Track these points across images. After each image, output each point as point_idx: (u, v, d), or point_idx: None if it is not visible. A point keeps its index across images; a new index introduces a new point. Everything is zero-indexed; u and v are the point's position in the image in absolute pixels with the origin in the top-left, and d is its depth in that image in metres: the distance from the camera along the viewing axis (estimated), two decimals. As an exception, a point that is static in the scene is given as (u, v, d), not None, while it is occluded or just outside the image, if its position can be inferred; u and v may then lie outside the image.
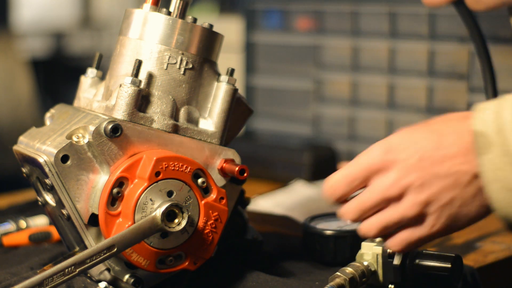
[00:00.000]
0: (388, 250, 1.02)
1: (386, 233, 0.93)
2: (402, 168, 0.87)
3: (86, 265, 0.93)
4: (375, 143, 0.91)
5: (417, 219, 0.90)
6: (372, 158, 0.89)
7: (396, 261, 1.02)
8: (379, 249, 1.03)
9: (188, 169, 1.01)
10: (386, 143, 0.90)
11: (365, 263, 1.03)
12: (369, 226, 0.93)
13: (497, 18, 1.29)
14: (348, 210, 0.94)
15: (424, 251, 1.04)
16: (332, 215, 1.22)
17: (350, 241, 1.13)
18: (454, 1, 1.17)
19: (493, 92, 1.17)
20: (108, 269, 1.02)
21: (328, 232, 1.15)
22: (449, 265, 1.01)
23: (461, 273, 1.04)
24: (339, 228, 1.17)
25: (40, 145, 1.01)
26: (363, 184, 0.91)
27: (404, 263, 1.03)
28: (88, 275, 1.03)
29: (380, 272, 1.03)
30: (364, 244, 1.04)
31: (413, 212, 0.89)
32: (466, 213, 0.88)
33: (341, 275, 1.00)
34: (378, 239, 1.05)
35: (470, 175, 0.86)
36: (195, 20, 1.07)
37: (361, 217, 0.93)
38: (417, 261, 1.02)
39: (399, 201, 0.89)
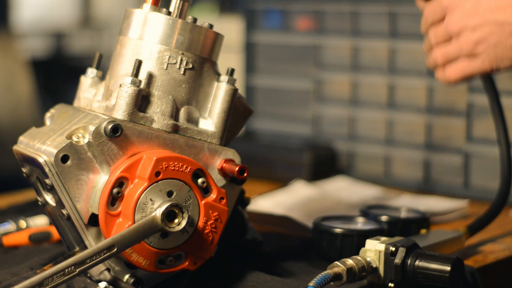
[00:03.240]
0: (391, 248, 1.02)
1: (447, 62, 1.15)
2: (460, 11, 1.11)
3: (86, 265, 0.93)
4: None
5: (471, 54, 1.11)
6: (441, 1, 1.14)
7: (398, 259, 1.02)
8: (382, 247, 1.03)
9: (188, 169, 1.01)
10: None
11: (368, 259, 1.03)
12: (434, 54, 1.17)
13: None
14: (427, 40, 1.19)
15: (426, 252, 1.04)
16: (342, 218, 1.23)
17: (357, 240, 1.14)
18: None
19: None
20: (108, 269, 1.02)
21: (336, 230, 1.16)
22: (449, 268, 1.01)
23: (461, 276, 1.04)
24: (348, 228, 1.18)
25: (40, 145, 1.01)
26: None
27: (405, 263, 1.03)
28: (88, 275, 1.03)
29: (381, 269, 1.03)
30: (368, 241, 1.05)
31: (468, 47, 1.11)
32: (508, 56, 1.09)
33: (340, 265, 1.00)
34: (383, 238, 1.05)
35: None
36: (195, 20, 1.07)
37: (431, 42, 1.17)
38: (417, 261, 1.02)
39: (458, 38, 1.12)
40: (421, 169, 1.70)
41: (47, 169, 0.98)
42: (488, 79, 1.25)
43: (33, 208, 1.37)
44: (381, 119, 1.75)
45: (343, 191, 1.65)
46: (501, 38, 1.08)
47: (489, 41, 1.09)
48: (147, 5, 1.06)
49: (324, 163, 1.78)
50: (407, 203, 1.46)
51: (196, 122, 1.07)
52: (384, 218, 1.24)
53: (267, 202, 1.54)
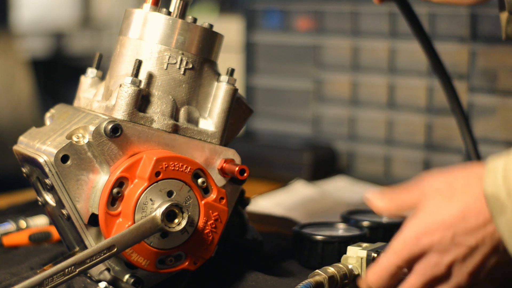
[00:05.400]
0: (373, 254, 1.02)
1: None
2: (439, 249, 0.90)
3: (86, 265, 0.93)
4: (407, 226, 0.92)
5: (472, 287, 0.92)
6: (409, 246, 0.91)
7: None
8: (364, 253, 1.02)
9: (188, 169, 1.01)
10: (417, 226, 0.92)
11: (350, 266, 1.02)
12: None
13: (495, 18, 1.29)
14: None
15: None
16: (323, 224, 1.21)
17: (338, 247, 1.12)
18: None
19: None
20: (108, 269, 1.02)
21: (317, 237, 1.15)
22: None
23: None
24: (329, 234, 1.16)
25: (40, 145, 1.01)
26: (406, 270, 0.93)
27: None
28: (88, 275, 1.03)
29: (363, 276, 1.02)
30: (350, 248, 1.04)
31: (466, 282, 0.91)
32: None
33: (322, 273, 0.99)
34: (365, 244, 1.05)
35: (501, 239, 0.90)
36: (195, 20, 1.07)
37: None
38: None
39: (449, 277, 0.91)
40: (421, 169, 1.70)
41: (47, 169, 0.98)
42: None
43: (33, 208, 1.37)
44: (381, 119, 1.75)
45: (343, 191, 1.66)
46: (497, 256, 0.91)
47: (487, 266, 0.91)
48: (147, 5, 1.07)
49: (324, 163, 1.78)
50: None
51: (196, 122, 1.07)
52: (365, 223, 1.22)
53: (267, 202, 1.54)
